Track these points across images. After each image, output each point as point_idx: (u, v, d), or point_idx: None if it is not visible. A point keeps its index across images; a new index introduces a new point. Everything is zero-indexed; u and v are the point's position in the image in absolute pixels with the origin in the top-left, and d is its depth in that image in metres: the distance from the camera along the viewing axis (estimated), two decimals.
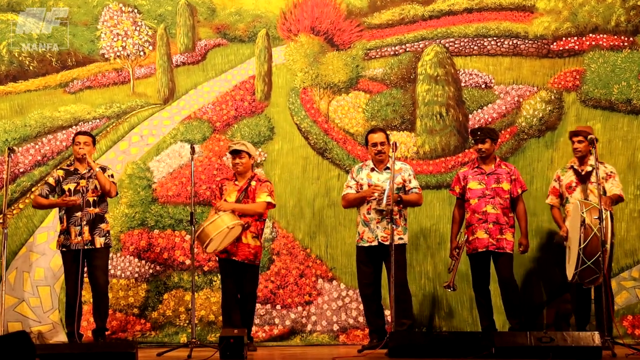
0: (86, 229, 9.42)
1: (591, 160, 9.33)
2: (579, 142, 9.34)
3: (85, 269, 9.54)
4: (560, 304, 10.22)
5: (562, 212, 9.56)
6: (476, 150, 9.52)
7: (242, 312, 9.44)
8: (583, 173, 9.31)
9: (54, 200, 9.54)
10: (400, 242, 9.21)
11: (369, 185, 9.25)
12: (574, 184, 9.41)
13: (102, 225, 9.55)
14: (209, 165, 10.88)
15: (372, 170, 9.35)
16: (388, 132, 9.72)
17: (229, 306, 9.37)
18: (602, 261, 8.49)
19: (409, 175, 9.37)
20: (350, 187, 9.42)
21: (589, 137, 9.03)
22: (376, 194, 9.08)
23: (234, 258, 9.26)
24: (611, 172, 9.37)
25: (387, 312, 9.47)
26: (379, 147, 9.25)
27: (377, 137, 9.32)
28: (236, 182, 9.46)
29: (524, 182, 9.60)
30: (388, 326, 9.24)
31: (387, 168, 9.29)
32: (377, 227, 9.17)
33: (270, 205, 9.40)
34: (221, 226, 8.93)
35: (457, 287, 9.62)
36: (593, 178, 9.21)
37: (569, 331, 8.86)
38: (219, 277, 9.71)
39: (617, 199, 9.24)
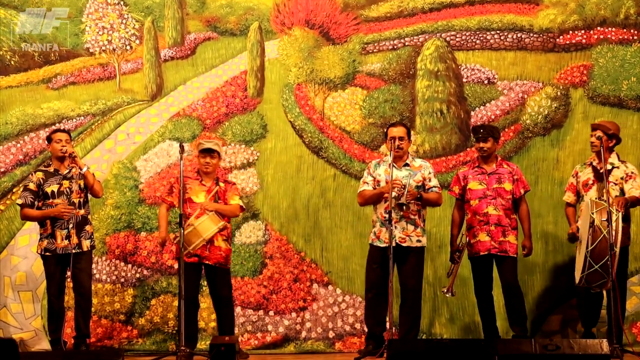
0: (73, 232, 9.31)
1: (612, 157, 9.26)
2: (597, 137, 9.22)
3: (68, 273, 9.46)
4: (567, 310, 10.18)
5: (577, 210, 9.47)
6: (477, 148, 9.45)
7: (219, 317, 9.46)
8: (601, 171, 9.19)
9: (47, 211, 9.30)
10: (419, 244, 9.15)
11: (387, 182, 9.13)
12: (590, 182, 9.29)
13: (87, 228, 9.47)
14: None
15: (391, 166, 9.21)
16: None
17: (189, 311, 9.21)
18: (610, 265, 8.43)
19: (429, 173, 9.28)
20: (367, 184, 9.30)
21: (610, 132, 9.07)
22: (396, 190, 8.95)
23: (206, 262, 9.23)
24: (632, 172, 9.23)
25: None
26: (398, 142, 9.13)
27: (397, 131, 9.21)
28: (203, 182, 9.39)
29: (527, 182, 9.53)
30: (386, 333, 9.15)
31: (407, 164, 9.22)
32: (396, 227, 9.02)
33: (241, 208, 9.47)
34: (211, 227, 8.95)
35: (457, 293, 9.56)
36: (612, 177, 9.14)
37: (576, 339, 8.80)
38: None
39: (635, 201, 9.13)
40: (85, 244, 9.40)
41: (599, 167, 9.19)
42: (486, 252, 9.23)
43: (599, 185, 9.18)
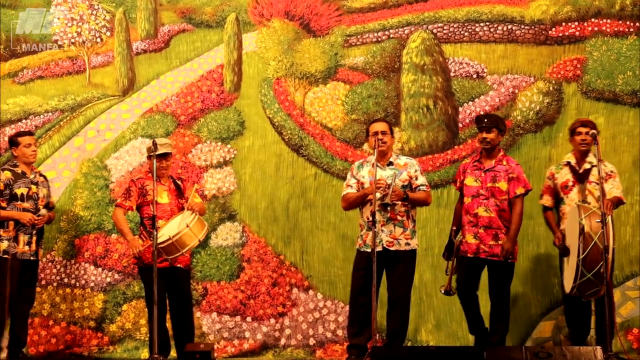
0: (34, 239, 9.43)
1: (590, 157, 9.12)
2: (588, 133, 9.07)
3: None
4: (559, 316, 10.11)
5: (555, 214, 9.34)
6: (480, 139, 9.16)
7: (184, 320, 9.36)
8: (581, 171, 9.07)
9: (15, 213, 9.33)
10: (408, 247, 8.97)
11: (371, 183, 8.97)
12: (570, 183, 9.16)
13: (44, 236, 9.64)
14: (173, 162, 10.66)
15: (375, 165, 9.04)
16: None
17: (163, 319, 9.17)
18: (604, 272, 8.30)
19: (416, 171, 9.10)
20: (351, 187, 9.14)
21: (591, 132, 8.86)
22: (380, 190, 8.77)
23: (177, 265, 9.14)
24: (611, 171, 9.10)
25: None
26: (380, 136, 8.96)
27: (379, 125, 9.06)
28: (162, 182, 9.30)
29: (528, 181, 9.24)
30: (369, 342, 9.04)
31: (391, 163, 9.06)
32: (383, 230, 8.87)
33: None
34: (203, 228, 9.04)
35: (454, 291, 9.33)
36: (592, 177, 9.01)
37: (568, 346, 8.72)
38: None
39: (618, 202, 9.02)
40: (40, 252, 9.55)
41: (577, 167, 9.09)
42: (472, 256, 9.02)
43: (580, 186, 9.06)
